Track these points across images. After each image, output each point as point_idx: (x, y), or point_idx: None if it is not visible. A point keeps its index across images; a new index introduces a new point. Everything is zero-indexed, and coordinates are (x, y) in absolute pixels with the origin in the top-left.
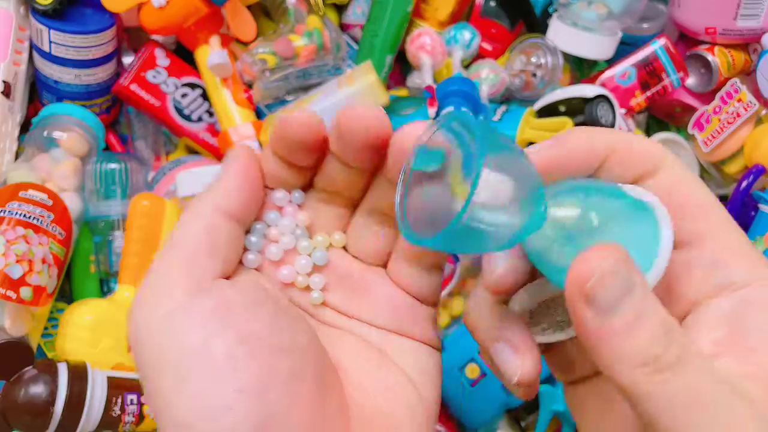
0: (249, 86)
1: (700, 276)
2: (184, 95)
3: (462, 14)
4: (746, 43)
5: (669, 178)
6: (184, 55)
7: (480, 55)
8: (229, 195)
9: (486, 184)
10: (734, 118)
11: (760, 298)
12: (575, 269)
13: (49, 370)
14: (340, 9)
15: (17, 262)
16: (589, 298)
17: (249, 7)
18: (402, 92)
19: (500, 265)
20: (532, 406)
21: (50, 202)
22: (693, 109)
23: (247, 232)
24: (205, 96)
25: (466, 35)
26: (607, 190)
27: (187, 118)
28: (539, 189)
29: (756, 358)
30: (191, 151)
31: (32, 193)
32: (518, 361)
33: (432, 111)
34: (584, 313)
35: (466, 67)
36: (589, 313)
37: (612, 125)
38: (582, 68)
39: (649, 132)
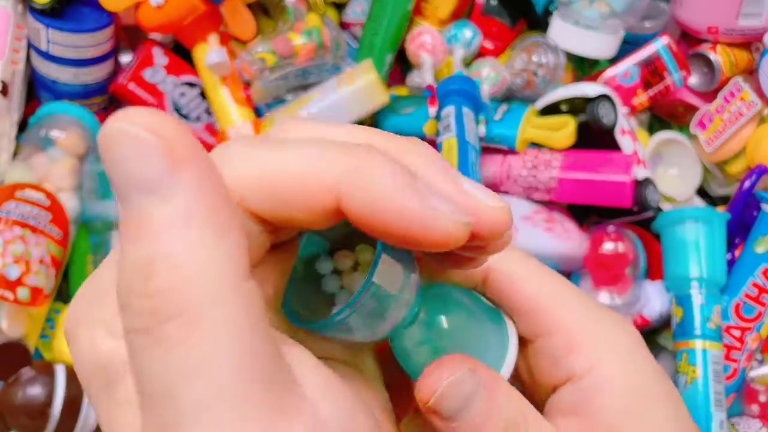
0: (248, 85)
1: (548, 367)
2: (182, 94)
3: (463, 12)
4: (748, 42)
5: (502, 277)
6: (182, 54)
7: (481, 53)
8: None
9: (380, 275)
10: (737, 117)
11: (595, 385)
12: (421, 383)
13: (46, 371)
14: (340, 7)
15: (14, 262)
16: (434, 409)
17: (248, 6)
18: (402, 91)
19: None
20: None
21: (48, 203)
22: (695, 109)
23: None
24: (203, 95)
25: (467, 34)
26: (465, 294)
27: (186, 117)
28: (418, 288)
29: None
30: None
31: (29, 194)
32: None
33: (432, 110)
34: (433, 420)
35: (467, 65)
36: (437, 420)
37: (614, 124)
38: (584, 67)
39: (651, 131)
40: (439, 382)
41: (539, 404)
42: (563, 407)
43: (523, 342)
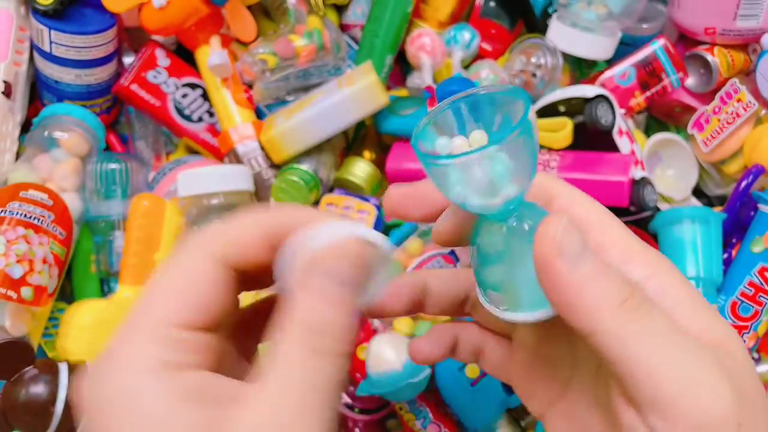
0: (249, 86)
1: (613, 399)
2: (184, 95)
3: (462, 15)
4: (746, 44)
5: (565, 201)
6: (184, 56)
7: (480, 55)
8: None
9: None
10: (734, 118)
11: (658, 288)
12: (543, 229)
13: (49, 369)
14: (340, 9)
15: (18, 262)
16: (561, 248)
17: (249, 8)
18: (402, 92)
19: (441, 220)
20: None
21: (51, 202)
22: (692, 109)
23: None
24: (205, 96)
25: (466, 35)
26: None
27: (188, 118)
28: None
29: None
30: (192, 152)
31: (33, 193)
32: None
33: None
34: (558, 266)
35: (466, 67)
36: (562, 265)
37: (612, 125)
38: (582, 68)
39: (648, 132)
40: (560, 225)
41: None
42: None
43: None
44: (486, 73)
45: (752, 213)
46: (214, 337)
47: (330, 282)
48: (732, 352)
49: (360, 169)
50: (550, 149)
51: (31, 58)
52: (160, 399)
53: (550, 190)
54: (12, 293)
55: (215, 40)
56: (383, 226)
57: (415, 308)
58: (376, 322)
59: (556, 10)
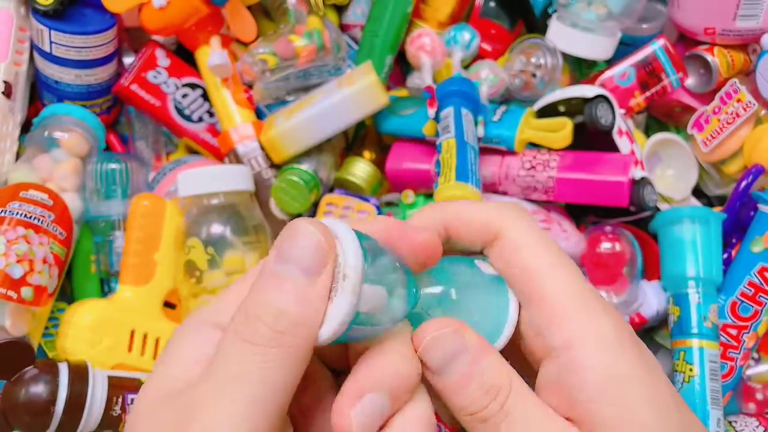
0: (249, 86)
1: (533, 338)
2: (184, 95)
3: (462, 15)
4: (745, 44)
5: (507, 244)
6: (184, 56)
7: (480, 55)
8: None
9: (364, 298)
10: (733, 118)
11: (576, 364)
12: (415, 337)
13: (49, 369)
14: (340, 9)
15: (18, 262)
16: (423, 360)
17: (249, 8)
18: (402, 92)
19: None
20: None
21: (51, 202)
22: (692, 110)
23: None
24: (205, 96)
25: (466, 36)
26: (467, 270)
27: (188, 118)
28: (409, 279)
29: (583, 426)
30: (192, 152)
31: (33, 193)
32: None
33: (432, 111)
34: (426, 373)
35: (466, 67)
36: (426, 371)
37: (612, 125)
38: (581, 68)
39: (648, 132)
40: (423, 337)
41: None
42: (545, 382)
43: (524, 308)
44: (486, 73)
45: (752, 213)
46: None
47: (283, 266)
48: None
49: (360, 169)
50: (549, 149)
51: (32, 58)
52: None
53: (496, 227)
54: (12, 293)
55: (215, 41)
56: None
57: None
58: None
59: (555, 11)
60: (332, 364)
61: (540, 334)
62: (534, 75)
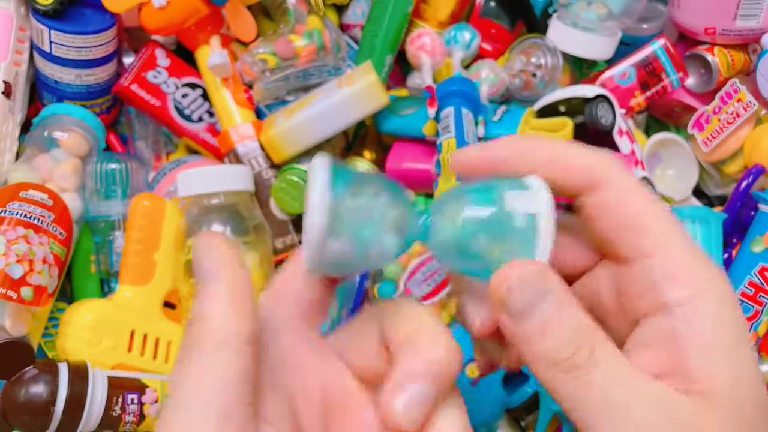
0: (249, 86)
1: (640, 293)
2: (184, 95)
3: (462, 15)
4: (746, 44)
5: (612, 193)
6: (184, 56)
7: (480, 55)
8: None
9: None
10: (734, 118)
11: (692, 320)
12: (493, 281)
13: (49, 370)
14: (340, 9)
15: (18, 262)
16: (503, 305)
17: (249, 8)
18: (402, 92)
19: (474, 317)
20: (532, 405)
21: (51, 202)
22: (693, 109)
23: None
24: (205, 96)
25: (466, 35)
26: (488, 191)
27: (188, 118)
28: (408, 208)
29: (690, 385)
30: (192, 152)
31: (33, 193)
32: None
33: (432, 111)
34: (502, 317)
35: (466, 67)
36: (504, 318)
37: (612, 125)
38: (582, 68)
39: (648, 131)
40: (508, 282)
41: (618, 333)
42: (647, 338)
43: (618, 263)
44: (486, 73)
45: (752, 213)
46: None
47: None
48: (729, 402)
49: (360, 169)
50: None
51: (31, 58)
52: None
53: (598, 174)
54: (12, 293)
55: (215, 40)
56: None
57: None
58: None
59: (556, 10)
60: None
61: (654, 287)
62: (534, 75)
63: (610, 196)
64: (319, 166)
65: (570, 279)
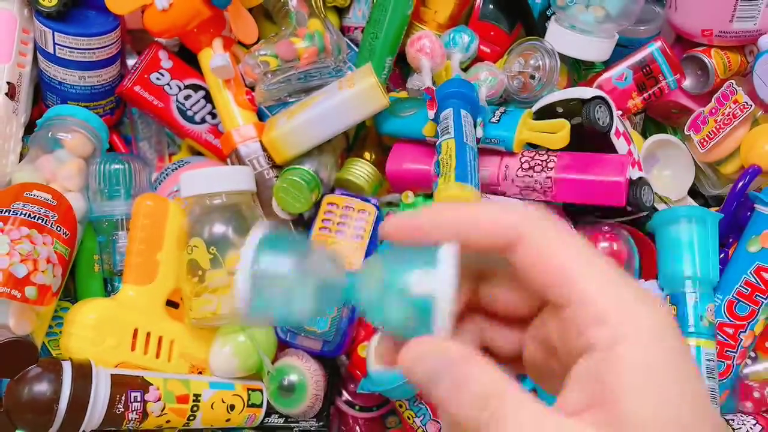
0: (251, 88)
1: (573, 336)
2: (187, 97)
3: (461, 17)
4: (742, 45)
5: (531, 249)
6: (187, 57)
7: (479, 57)
8: None
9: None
10: (730, 119)
11: (618, 360)
12: (399, 361)
13: (53, 368)
14: (341, 12)
15: (22, 261)
16: (411, 381)
17: (251, 10)
18: (402, 94)
19: (379, 349)
20: None
21: (54, 202)
22: (689, 111)
23: None
24: (208, 98)
25: (465, 38)
26: (397, 270)
27: (190, 119)
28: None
29: (610, 418)
30: (194, 152)
31: (37, 193)
32: None
33: (431, 113)
34: (421, 389)
35: (465, 69)
36: (423, 389)
37: (609, 126)
38: (579, 70)
39: (645, 133)
40: (408, 357)
41: (567, 369)
42: (580, 376)
43: (556, 308)
44: (485, 75)
45: (749, 213)
46: None
47: None
48: None
49: (361, 170)
50: (548, 150)
51: (35, 60)
52: None
53: (517, 232)
54: (16, 292)
55: (217, 43)
56: None
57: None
58: None
59: (554, 13)
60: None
61: (581, 332)
62: (532, 77)
63: (529, 253)
64: (250, 240)
65: (530, 316)
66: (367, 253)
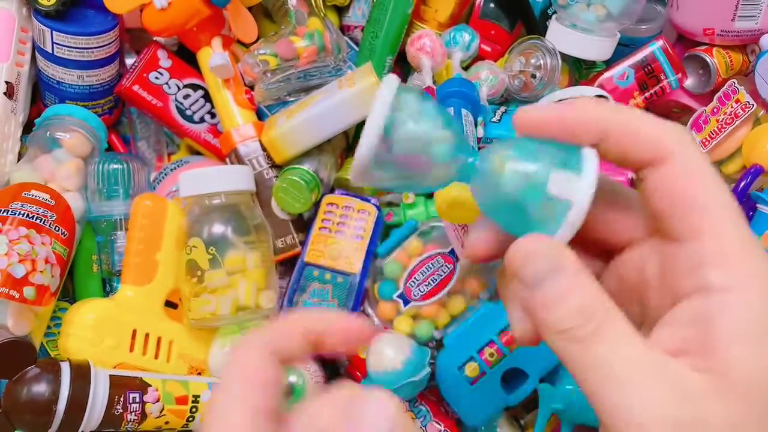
0: (250, 87)
1: (684, 273)
2: (186, 96)
3: (462, 16)
4: (744, 44)
5: (676, 170)
6: (186, 57)
7: (479, 56)
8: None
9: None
10: (732, 118)
11: (732, 305)
12: (511, 250)
13: (51, 369)
14: (341, 11)
15: (20, 261)
16: (517, 273)
17: (250, 9)
18: None
19: (473, 237)
20: (531, 404)
21: (53, 202)
22: (691, 110)
23: None
24: (207, 97)
25: (466, 37)
26: (539, 161)
27: (189, 119)
28: (461, 146)
29: (710, 364)
30: (193, 152)
31: (35, 193)
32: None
33: None
34: (517, 284)
35: (466, 68)
36: (519, 285)
37: None
38: (580, 69)
39: None
40: (523, 253)
41: (658, 310)
42: (681, 316)
43: (668, 240)
44: (485, 74)
45: (751, 213)
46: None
47: None
48: (747, 389)
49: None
50: None
51: (33, 59)
52: None
53: (664, 147)
54: (14, 293)
55: (216, 42)
56: (383, 226)
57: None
58: (376, 321)
59: (555, 12)
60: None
61: (696, 269)
62: (533, 76)
63: (672, 172)
64: (387, 84)
65: (617, 249)
66: (367, 253)
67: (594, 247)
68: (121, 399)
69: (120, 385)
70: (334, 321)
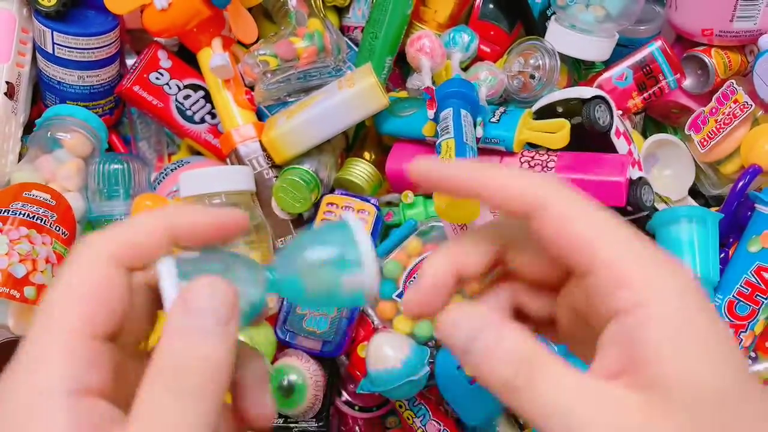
0: (251, 88)
1: (599, 302)
2: (186, 97)
3: (461, 17)
4: (742, 45)
5: (552, 216)
6: (186, 57)
7: (479, 57)
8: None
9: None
10: (730, 118)
11: (648, 318)
12: (438, 326)
13: None
14: (341, 11)
15: (21, 261)
16: (448, 346)
17: (250, 10)
18: (402, 94)
19: (406, 297)
20: None
21: (54, 202)
22: (690, 110)
23: None
24: (207, 97)
25: (465, 37)
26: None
27: (190, 119)
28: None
29: (646, 380)
30: (194, 152)
31: (36, 194)
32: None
33: (431, 112)
34: (453, 353)
35: (465, 69)
36: (454, 353)
37: (609, 126)
38: (579, 70)
39: (646, 133)
40: (446, 322)
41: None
42: (610, 341)
43: (580, 276)
44: (485, 75)
45: (749, 213)
46: (115, 347)
47: (200, 319)
48: (684, 395)
49: (360, 170)
50: (548, 150)
51: (34, 59)
52: (58, 427)
53: (538, 198)
54: (15, 292)
55: (217, 42)
56: (382, 226)
57: (450, 296)
58: (376, 321)
59: (554, 12)
60: None
61: (605, 298)
62: (532, 76)
63: (550, 219)
64: (165, 270)
65: (561, 282)
66: None
67: (543, 285)
68: None
69: None
70: (202, 214)
